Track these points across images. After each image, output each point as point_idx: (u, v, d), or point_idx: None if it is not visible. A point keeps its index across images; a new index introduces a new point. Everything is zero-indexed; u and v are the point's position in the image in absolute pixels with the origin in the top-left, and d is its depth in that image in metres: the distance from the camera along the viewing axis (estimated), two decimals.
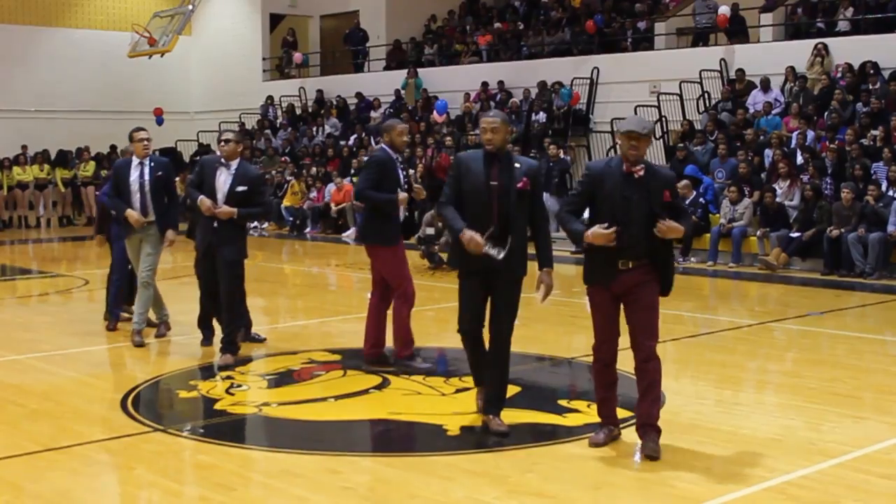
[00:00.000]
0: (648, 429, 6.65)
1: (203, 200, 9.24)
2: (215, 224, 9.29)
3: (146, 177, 9.93)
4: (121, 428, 7.28)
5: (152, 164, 10.01)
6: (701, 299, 14.53)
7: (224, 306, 9.41)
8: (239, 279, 9.61)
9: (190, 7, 27.68)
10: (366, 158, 9.99)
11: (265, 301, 13.79)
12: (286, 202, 24.42)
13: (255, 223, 24.81)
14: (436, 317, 10.23)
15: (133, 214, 9.86)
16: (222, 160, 9.37)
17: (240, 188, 9.29)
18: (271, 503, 5.79)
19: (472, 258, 6.87)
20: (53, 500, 5.87)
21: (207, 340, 9.95)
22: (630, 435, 7.05)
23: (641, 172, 6.56)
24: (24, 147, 27.57)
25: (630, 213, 6.51)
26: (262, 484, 6.13)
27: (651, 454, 6.50)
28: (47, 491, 6.02)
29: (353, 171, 24.32)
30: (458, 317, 7.14)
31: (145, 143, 9.93)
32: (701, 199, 17.79)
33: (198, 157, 28.87)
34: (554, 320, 11.82)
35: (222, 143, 9.37)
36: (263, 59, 32.39)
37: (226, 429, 7.38)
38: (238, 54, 32.67)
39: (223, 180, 9.31)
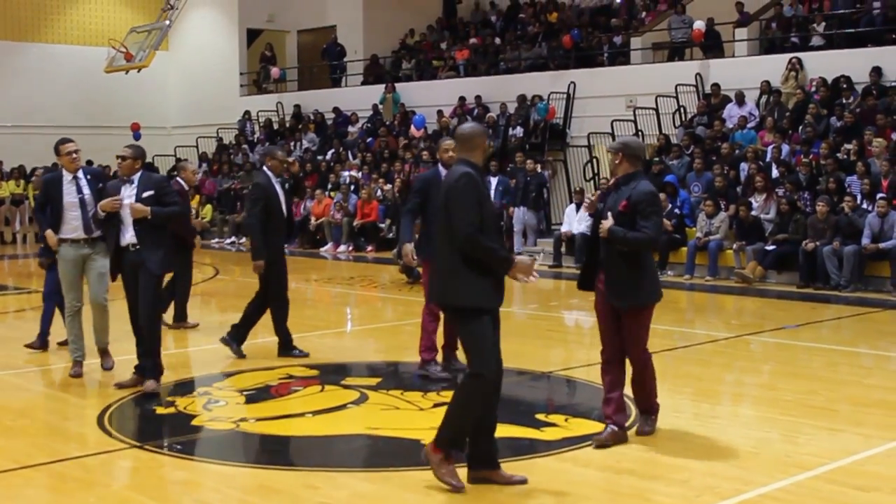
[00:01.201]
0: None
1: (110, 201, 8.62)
2: (133, 241, 8.59)
3: (85, 191, 9.12)
4: (98, 444, 7.25)
5: (88, 176, 9.24)
6: (678, 312, 14.56)
7: (146, 325, 8.69)
8: (158, 295, 8.85)
9: (167, 22, 27.63)
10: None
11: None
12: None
13: (233, 237, 24.78)
14: (414, 332, 10.21)
15: (52, 237, 9.21)
16: (123, 178, 8.71)
17: (146, 193, 8.58)
18: None
19: (501, 291, 6.20)
20: None
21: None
22: (608, 448, 7.06)
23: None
24: (0, 163, 27.47)
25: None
26: (240, 500, 6.11)
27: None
28: None
29: (329, 186, 24.33)
30: (483, 362, 6.08)
31: (73, 155, 9.13)
32: (676, 211, 17.86)
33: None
34: (532, 334, 11.83)
35: (119, 160, 8.72)
36: (241, 73, 32.37)
37: (203, 445, 7.36)
38: (215, 69, 32.65)
39: (127, 195, 8.61)
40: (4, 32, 30.88)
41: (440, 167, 9.40)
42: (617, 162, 7.05)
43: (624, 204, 6.95)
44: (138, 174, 8.71)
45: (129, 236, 8.60)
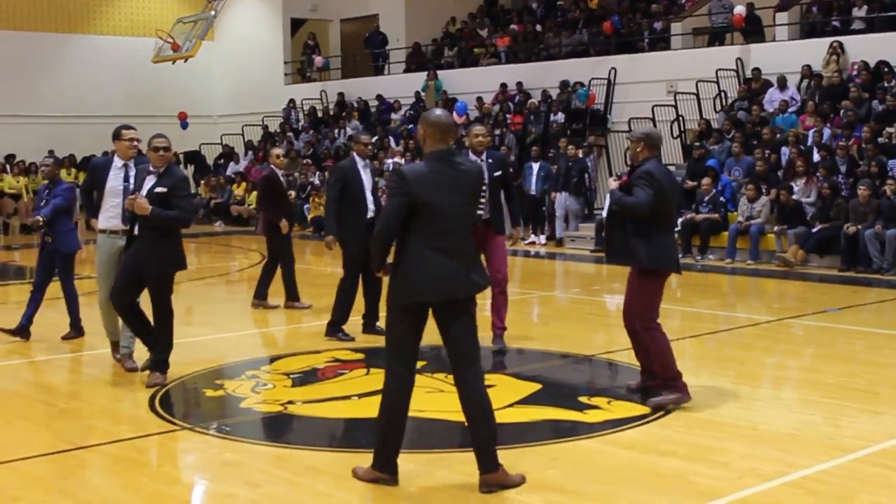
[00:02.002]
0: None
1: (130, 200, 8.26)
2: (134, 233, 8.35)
3: (131, 181, 8.77)
4: (149, 426, 7.32)
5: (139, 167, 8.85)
6: (719, 296, 14.51)
7: (158, 322, 8.46)
8: (168, 293, 8.48)
9: (213, 12, 27.76)
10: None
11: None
12: (311, 214, 24.18)
13: None
14: None
15: (96, 224, 9.06)
16: (151, 169, 8.38)
17: (158, 189, 8.21)
18: (297, 500, 5.81)
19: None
20: (83, 497, 5.91)
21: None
22: (649, 430, 7.06)
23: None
24: (51, 151, 27.72)
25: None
26: (288, 481, 6.15)
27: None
28: (77, 488, 6.07)
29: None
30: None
31: (133, 143, 8.99)
32: (721, 198, 17.74)
33: (220, 160, 29.02)
34: (574, 318, 11.82)
35: (161, 152, 8.31)
36: (285, 62, 32.48)
37: (251, 427, 7.42)
38: (260, 58, 32.78)
39: (147, 187, 8.28)
40: (54, 24, 31.17)
41: (470, 153, 9.52)
42: (639, 150, 7.78)
43: (625, 179, 7.79)
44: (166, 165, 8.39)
45: (115, 222, 8.71)
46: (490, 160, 9.47)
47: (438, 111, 6.08)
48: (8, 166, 27.37)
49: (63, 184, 10.61)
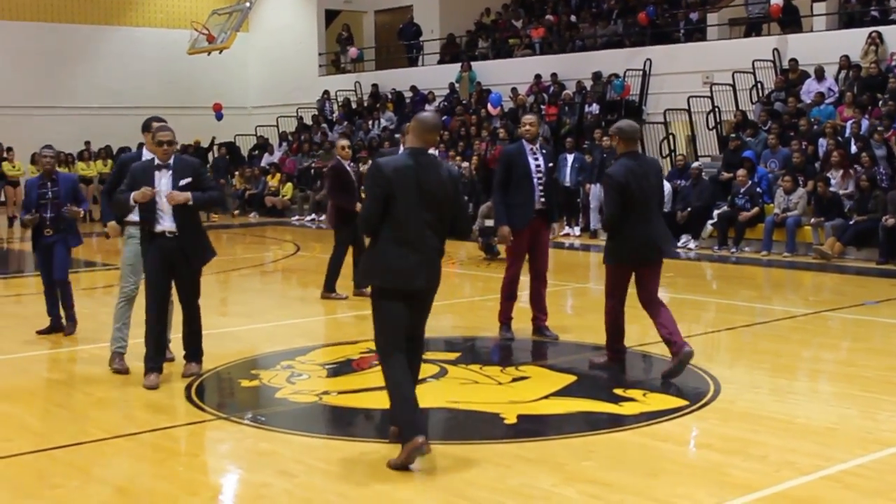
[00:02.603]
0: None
1: (143, 191, 8.00)
2: (171, 228, 8.12)
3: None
4: (185, 416, 7.38)
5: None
6: (755, 289, 14.42)
7: (193, 315, 8.45)
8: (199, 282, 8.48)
9: (247, 4, 27.90)
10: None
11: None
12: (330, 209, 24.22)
13: (313, 215, 24.94)
14: (493, 307, 10.26)
15: (116, 229, 8.83)
16: (159, 163, 8.19)
17: (184, 181, 8.13)
18: (332, 489, 5.83)
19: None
20: (121, 485, 5.96)
21: (158, 371, 8.34)
22: (685, 423, 7.03)
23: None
24: (88, 143, 27.97)
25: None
26: (323, 471, 6.17)
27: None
28: (115, 476, 6.12)
29: None
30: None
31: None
32: (757, 190, 17.62)
33: (255, 151, 29.07)
34: None
35: (165, 146, 8.11)
36: (319, 54, 32.56)
37: (286, 417, 7.45)
38: (294, 50, 32.88)
39: (164, 182, 8.12)
40: (91, 17, 31.40)
41: (524, 142, 9.67)
42: (615, 144, 8.45)
43: None
44: (171, 158, 8.22)
45: (166, 223, 8.12)
46: (544, 151, 9.64)
47: (429, 114, 6.49)
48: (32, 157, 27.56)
49: (62, 175, 10.45)
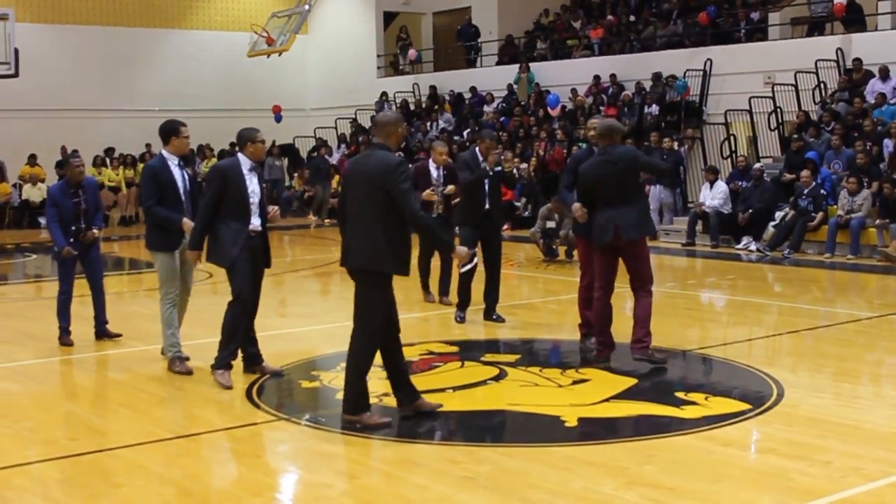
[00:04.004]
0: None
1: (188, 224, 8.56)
2: (258, 227, 8.43)
3: (186, 177, 8.97)
4: (246, 416, 7.44)
5: (179, 163, 9.00)
6: (818, 291, 14.26)
7: (250, 322, 8.61)
8: None
9: (307, 7, 28.04)
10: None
11: None
12: None
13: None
14: (557, 309, 10.28)
15: (189, 223, 8.72)
16: (254, 164, 8.46)
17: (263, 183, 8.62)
18: (393, 492, 5.85)
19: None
20: (185, 485, 6.02)
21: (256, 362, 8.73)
22: (748, 427, 6.97)
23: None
24: (149, 145, 28.23)
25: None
26: (384, 472, 6.20)
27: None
28: (179, 476, 6.19)
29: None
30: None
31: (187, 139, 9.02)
32: (822, 191, 17.41)
33: (314, 154, 29.25)
34: (668, 312, 11.69)
35: (261, 144, 8.43)
36: (378, 56, 32.66)
37: None
38: (353, 52, 33.01)
39: (256, 185, 8.43)
40: (151, 20, 31.75)
41: (592, 146, 9.65)
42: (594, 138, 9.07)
43: None
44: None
45: (255, 222, 8.37)
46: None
47: (385, 112, 7.19)
48: (108, 160, 27.98)
49: (88, 181, 10.38)
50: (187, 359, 8.92)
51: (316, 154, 28.63)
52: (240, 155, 8.42)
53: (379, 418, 7.02)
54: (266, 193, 8.75)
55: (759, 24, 24.05)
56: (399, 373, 7.27)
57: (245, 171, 8.33)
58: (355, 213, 6.95)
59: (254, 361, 8.65)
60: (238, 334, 8.33)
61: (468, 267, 9.45)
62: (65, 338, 10.11)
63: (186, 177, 8.94)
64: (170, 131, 8.94)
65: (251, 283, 8.36)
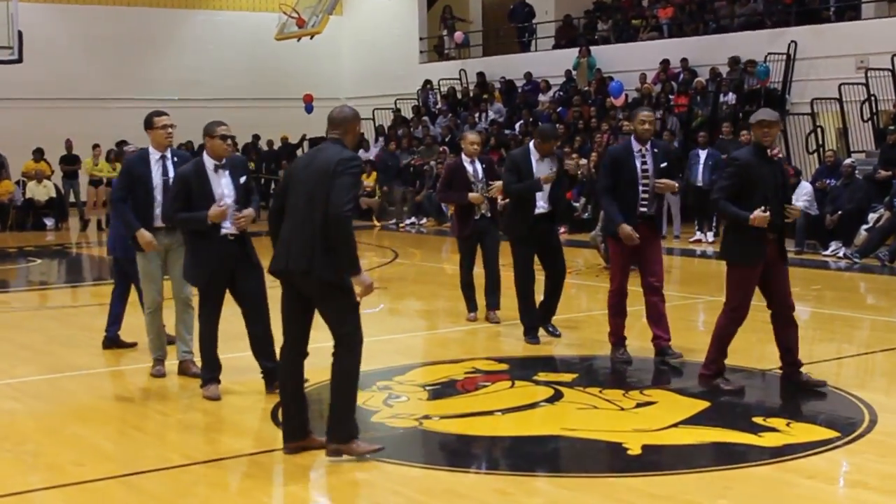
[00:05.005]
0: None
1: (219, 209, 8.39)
2: (232, 231, 8.49)
3: (170, 173, 9.03)
4: (271, 441, 7.45)
5: (175, 158, 9.19)
6: None
7: (265, 319, 8.68)
8: None
9: None
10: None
11: (424, 303, 13.95)
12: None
13: (413, 218, 25.05)
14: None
15: (146, 236, 8.97)
16: (217, 163, 8.51)
17: (243, 179, 8.62)
18: None
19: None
20: None
21: (216, 381, 8.76)
22: (835, 458, 6.90)
23: (780, 154, 8.18)
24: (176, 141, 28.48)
25: (776, 191, 8.38)
26: None
27: None
28: None
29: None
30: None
31: (168, 130, 9.17)
32: None
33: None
34: (746, 326, 11.58)
35: (226, 141, 8.48)
36: (420, 39, 32.75)
37: (383, 443, 7.48)
38: (393, 35, 33.12)
39: (225, 184, 8.52)
40: (170, 0, 32.03)
41: (633, 140, 9.68)
42: (772, 131, 8.48)
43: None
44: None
45: (229, 226, 8.46)
46: (655, 150, 9.54)
47: (342, 107, 7.12)
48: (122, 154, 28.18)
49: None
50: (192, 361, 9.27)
51: None
52: (204, 154, 8.57)
53: (368, 446, 6.91)
54: (245, 192, 8.69)
55: (852, 1, 23.86)
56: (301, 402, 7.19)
57: (210, 172, 8.47)
58: (299, 214, 6.79)
59: (273, 377, 8.66)
60: (210, 346, 8.63)
61: (371, 311, 9.03)
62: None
63: (171, 174, 9.01)
64: (146, 124, 9.25)
65: (211, 293, 8.54)
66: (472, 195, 11.44)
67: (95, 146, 26.79)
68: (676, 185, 9.77)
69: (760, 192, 8.26)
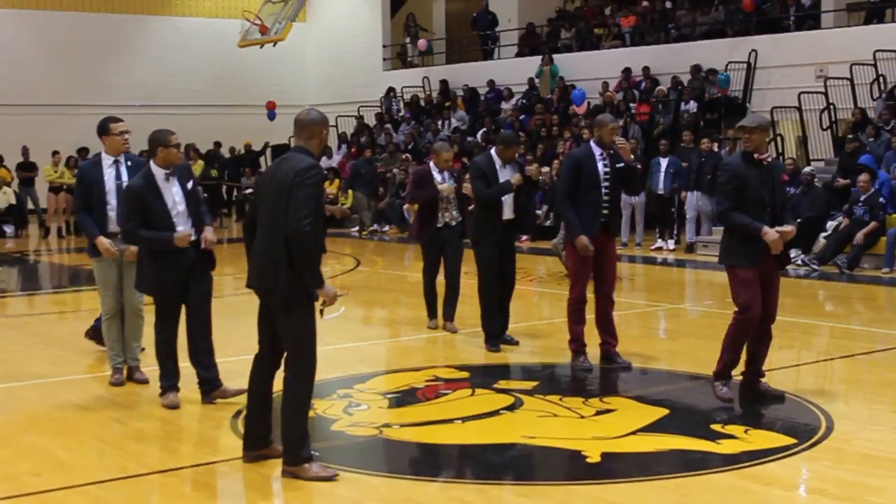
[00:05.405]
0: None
1: (181, 235, 8.40)
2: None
3: (124, 178, 9.08)
4: (230, 450, 7.41)
5: (129, 163, 9.21)
6: (875, 311, 14.20)
7: (208, 337, 8.69)
8: None
9: None
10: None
11: (385, 311, 13.94)
12: (413, 219, 24.27)
13: (375, 226, 25.03)
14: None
15: (104, 243, 8.99)
16: (168, 171, 8.55)
17: (190, 185, 8.66)
18: None
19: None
20: None
21: (174, 388, 8.73)
22: (793, 464, 6.94)
23: (770, 159, 8.52)
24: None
25: (771, 196, 8.40)
26: None
27: None
28: None
29: None
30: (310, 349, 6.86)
31: (125, 136, 9.24)
32: (880, 199, 17.30)
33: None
34: (706, 334, 11.67)
35: (177, 148, 8.61)
36: (384, 46, 32.74)
37: (343, 452, 7.47)
38: (356, 42, 33.10)
39: (176, 192, 8.56)
40: (132, 6, 31.90)
41: (592, 144, 9.76)
42: (753, 137, 8.51)
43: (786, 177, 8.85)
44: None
45: (182, 230, 8.48)
46: (612, 151, 9.60)
47: (308, 110, 7.05)
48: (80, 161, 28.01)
49: None
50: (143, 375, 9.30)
51: None
52: (151, 164, 8.54)
53: (322, 471, 6.71)
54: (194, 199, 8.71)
55: (811, 11, 24.03)
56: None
57: (161, 181, 8.49)
58: (265, 229, 6.71)
59: (211, 387, 8.67)
60: (168, 354, 8.60)
61: (333, 315, 9.14)
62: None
63: (125, 178, 9.05)
64: (101, 129, 9.28)
65: (169, 301, 8.53)
66: (442, 185, 11.44)
67: (55, 153, 26.61)
68: (629, 147, 9.99)
69: (753, 197, 8.30)
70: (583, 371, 9.75)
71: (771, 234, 8.22)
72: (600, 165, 9.62)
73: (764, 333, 8.65)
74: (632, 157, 9.98)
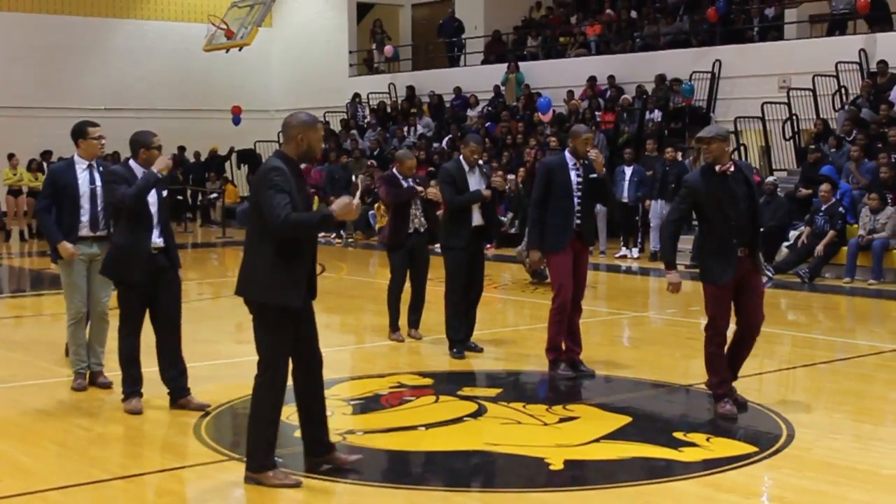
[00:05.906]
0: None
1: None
2: (159, 244, 8.56)
3: (97, 182, 9.10)
4: (194, 455, 7.40)
5: (100, 168, 9.18)
6: (836, 320, 14.31)
7: (176, 340, 8.71)
8: None
9: None
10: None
11: (350, 317, 13.91)
12: (378, 224, 24.24)
13: (341, 231, 24.97)
14: (545, 337, 10.21)
15: (68, 248, 8.96)
16: (157, 172, 8.48)
17: (165, 192, 8.70)
18: None
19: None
20: None
21: (138, 394, 8.65)
22: (754, 472, 6.98)
23: (732, 168, 8.31)
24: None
25: (738, 205, 8.24)
26: None
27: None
28: None
29: None
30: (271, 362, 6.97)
31: (102, 141, 9.26)
32: (840, 208, 17.42)
33: None
34: (670, 342, 11.73)
35: (156, 151, 8.56)
36: (350, 52, 32.70)
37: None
38: (322, 48, 33.05)
39: (153, 194, 8.54)
40: (96, 8, 31.73)
41: (566, 154, 9.76)
42: (711, 147, 8.38)
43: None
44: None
45: (155, 237, 8.52)
46: (586, 162, 9.60)
47: (296, 113, 6.83)
48: (45, 164, 27.83)
49: None
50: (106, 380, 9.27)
51: None
52: (132, 162, 8.56)
53: (285, 478, 6.69)
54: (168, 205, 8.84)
55: (774, 22, 24.21)
56: (312, 419, 7.10)
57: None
58: (247, 237, 6.80)
59: (179, 394, 8.66)
60: (131, 360, 8.58)
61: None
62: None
63: (98, 182, 9.06)
64: (77, 133, 9.22)
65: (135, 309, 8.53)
66: (430, 189, 11.46)
67: (11, 156, 26.44)
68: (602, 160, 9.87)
69: (717, 210, 8.20)
70: (564, 380, 9.70)
71: (672, 278, 8.54)
72: (573, 175, 9.63)
73: (744, 346, 8.60)
74: (604, 170, 9.98)
